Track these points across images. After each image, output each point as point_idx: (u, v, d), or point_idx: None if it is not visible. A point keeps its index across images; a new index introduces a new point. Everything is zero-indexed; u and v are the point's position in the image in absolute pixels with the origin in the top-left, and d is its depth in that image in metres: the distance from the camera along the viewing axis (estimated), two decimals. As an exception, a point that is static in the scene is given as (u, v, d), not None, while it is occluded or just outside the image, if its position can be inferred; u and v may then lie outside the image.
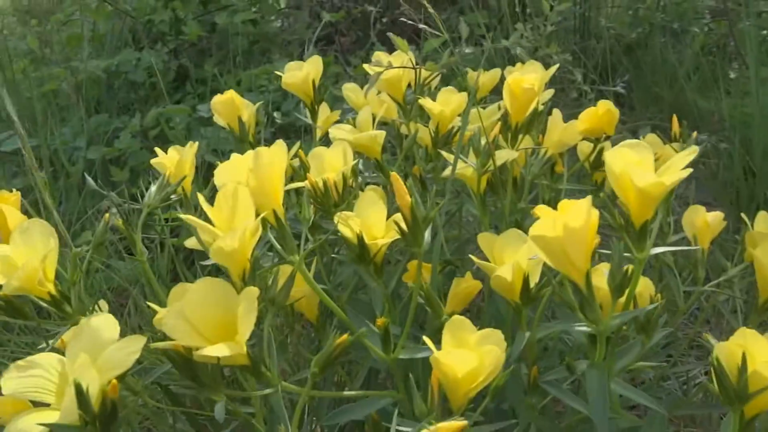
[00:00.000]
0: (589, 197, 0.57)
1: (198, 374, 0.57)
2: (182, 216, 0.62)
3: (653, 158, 0.62)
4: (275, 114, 2.22)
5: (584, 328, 0.62)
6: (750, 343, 0.61)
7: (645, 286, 0.73)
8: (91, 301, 0.88)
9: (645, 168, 0.61)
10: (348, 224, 0.77)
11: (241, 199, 0.60)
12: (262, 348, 0.63)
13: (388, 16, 3.12)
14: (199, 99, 2.43)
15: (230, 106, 1.07)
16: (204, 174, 1.73)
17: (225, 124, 1.10)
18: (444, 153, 0.98)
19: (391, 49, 1.12)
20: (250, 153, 0.63)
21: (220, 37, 2.87)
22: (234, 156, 0.67)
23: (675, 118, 1.22)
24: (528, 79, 0.88)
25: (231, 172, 0.64)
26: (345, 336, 0.60)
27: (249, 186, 0.62)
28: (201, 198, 0.63)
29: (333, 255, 0.98)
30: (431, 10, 1.07)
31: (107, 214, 0.87)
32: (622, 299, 0.69)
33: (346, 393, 0.72)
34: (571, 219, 0.57)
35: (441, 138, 1.02)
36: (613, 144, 0.64)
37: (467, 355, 0.57)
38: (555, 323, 0.72)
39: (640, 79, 3.01)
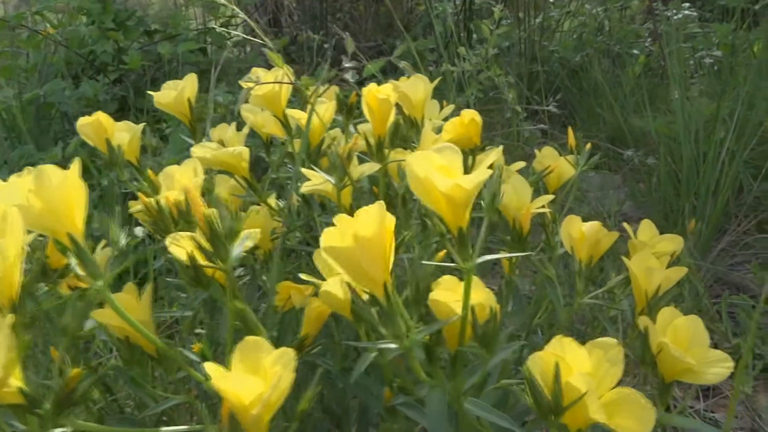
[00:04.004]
0: (381, 203, 0.53)
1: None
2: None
3: (461, 162, 0.58)
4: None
5: (390, 345, 0.57)
6: (568, 353, 0.56)
7: (486, 299, 0.69)
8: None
9: (451, 173, 0.57)
10: (180, 244, 0.72)
11: (10, 222, 0.55)
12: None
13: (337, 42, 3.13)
14: (139, 129, 2.38)
15: (97, 128, 1.02)
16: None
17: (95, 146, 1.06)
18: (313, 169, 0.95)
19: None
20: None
21: (169, 67, 2.84)
22: (12, 177, 0.62)
23: (570, 130, 1.20)
24: (383, 90, 0.85)
25: (9, 194, 0.59)
26: (77, 369, 0.54)
27: (33, 208, 0.57)
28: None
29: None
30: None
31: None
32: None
33: (164, 429, 0.66)
34: (362, 228, 0.53)
35: (313, 150, 0.98)
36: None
37: (250, 380, 0.52)
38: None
39: (584, 100, 3.04)
